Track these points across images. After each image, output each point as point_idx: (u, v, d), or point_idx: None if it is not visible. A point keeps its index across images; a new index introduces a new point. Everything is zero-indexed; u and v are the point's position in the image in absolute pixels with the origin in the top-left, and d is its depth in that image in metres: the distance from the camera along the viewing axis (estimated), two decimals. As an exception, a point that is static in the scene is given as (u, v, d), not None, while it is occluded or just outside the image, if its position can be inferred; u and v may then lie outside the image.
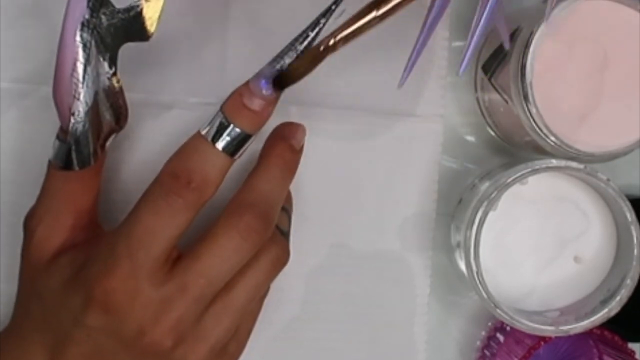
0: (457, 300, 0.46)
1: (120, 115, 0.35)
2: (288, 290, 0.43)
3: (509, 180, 0.39)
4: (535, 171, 0.39)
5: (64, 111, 0.33)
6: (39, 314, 0.34)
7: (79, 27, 0.32)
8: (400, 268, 0.44)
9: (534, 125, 0.38)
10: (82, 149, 0.34)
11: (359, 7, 0.34)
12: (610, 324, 0.40)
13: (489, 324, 0.46)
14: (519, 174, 0.39)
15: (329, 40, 0.33)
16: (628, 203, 0.39)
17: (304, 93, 0.43)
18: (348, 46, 0.43)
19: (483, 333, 0.46)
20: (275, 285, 0.37)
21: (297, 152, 0.37)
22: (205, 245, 0.33)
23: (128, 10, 0.34)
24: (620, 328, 0.42)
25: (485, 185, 0.41)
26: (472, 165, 0.45)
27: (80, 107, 0.33)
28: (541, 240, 0.41)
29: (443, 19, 0.44)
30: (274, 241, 0.36)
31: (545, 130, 0.38)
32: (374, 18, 0.33)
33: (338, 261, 0.44)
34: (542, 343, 0.41)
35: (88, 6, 0.32)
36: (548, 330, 0.39)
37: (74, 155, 0.34)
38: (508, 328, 0.44)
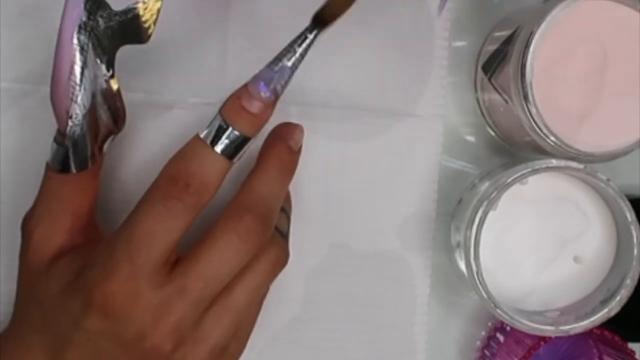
0: (457, 300, 0.46)
1: (118, 117, 0.35)
2: (288, 290, 0.43)
3: (509, 180, 0.39)
4: (535, 171, 0.39)
5: (61, 114, 0.33)
6: (37, 317, 0.34)
7: (76, 30, 0.32)
8: (400, 268, 0.44)
9: (534, 125, 0.38)
10: (80, 152, 0.34)
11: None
12: (610, 324, 0.40)
13: (489, 324, 0.46)
14: (519, 174, 0.39)
15: None
16: (628, 203, 0.39)
17: (303, 93, 0.43)
18: (348, 46, 0.44)
19: (483, 333, 0.46)
20: (275, 285, 0.37)
21: (295, 153, 0.37)
22: (205, 248, 0.33)
23: (125, 12, 0.33)
24: (620, 328, 0.42)
25: (485, 185, 0.41)
26: (472, 165, 0.45)
27: (78, 110, 0.33)
28: (541, 240, 0.41)
29: (443, 19, 0.44)
30: (273, 242, 0.35)
31: (545, 130, 0.38)
32: None
33: (338, 261, 0.44)
34: (542, 343, 0.41)
35: (85, 9, 0.32)
36: (548, 330, 0.39)
37: (71, 158, 0.34)
38: (508, 328, 0.44)
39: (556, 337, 0.42)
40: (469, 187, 0.44)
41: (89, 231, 0.36)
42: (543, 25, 0.37)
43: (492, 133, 0.45)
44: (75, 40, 0.32)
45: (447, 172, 0.45)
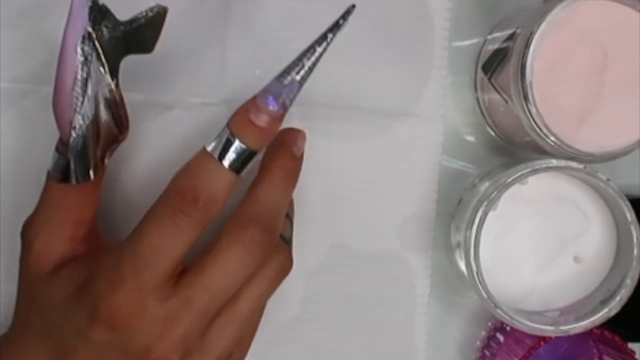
0: (457, 300, 0.46)
1: (121, 126, 0.35)
2: (288, 290, 0.43)
3: (509, 180, 0.39)
4: (535, 171, 0.39)
5: (64, 125, 0.33)
6: (39, 323, 0.34)
7: (80, 40, 0.32)
8: (400, 268, 0.44)
9: (534, 125, 0.38)
10: (83, 163, 0.34)
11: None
12: (610, 324, 0.40)
13: (489, 324, 0.46)
14: (519, 174, 0.39)
15: None
16: (628, 203, 0.39)
17: (303, 93, 0.43)
18: (348, 46, 0.44)
19: (483, 333, 0.46)
20: (276, 285, 0.37)
21: (298, 160, 0.37)
22: (210, 260, 0.33)
23: (130, 22, 0.33)
24: (620, 328, 0.42)
25: (485, 185, 0.41)
26: (472, 165, 0.45)
27: (82, 121, 0.32)
28: (541, 240, 0.41)
29: (443, 19, 0.44)
30: (277, 250, 0.35)
31: (545, 130, 0.38)
32: None
33: (338, 261, 0.44)
34: (542, 343, 0.41)
35: (89, 19, 0.32)
36: (548, 330, 0.39)
37: (73, 169, 0.34)
38: (508, 328, 0.44)
39: (556, 337, 0.42)
40: (469, 187, 0.44)
41: (90, 239, 0.36)
42: (543, 25, 0.37)
43: (492, 133, 0.45)
44: (79, 51, 0.32)
45: (447, 172, 0.45)
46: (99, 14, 0.32)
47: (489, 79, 0.42)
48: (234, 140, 0.33)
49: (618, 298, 0.39)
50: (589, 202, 0.42)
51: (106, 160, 0.35)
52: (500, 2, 0.44)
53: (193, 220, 0.32)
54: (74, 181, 0.34)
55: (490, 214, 0.39)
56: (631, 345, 0.43)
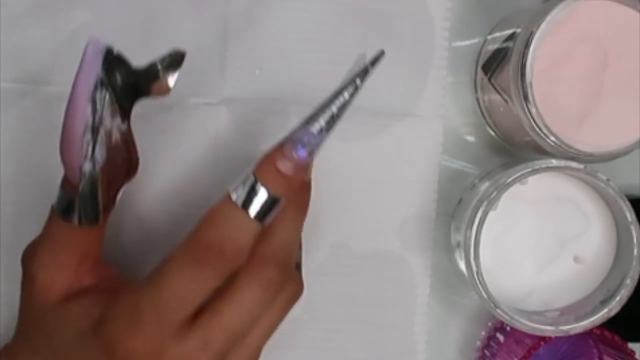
0: (457, 300, 0.46)
1: (132, 166, 0.34)
2: (288, 291, 0.43)
3: (509, 180, 0.39)
4: (535, 171, 0.39)
5: (73, 171, 0.32)
6: (46, 349, 0.34)
7: (93, 88, 0.31)
8: (400, 268, 0.45)
9: (534, 125, 0.38)
10: (91, 207, 0.33)
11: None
12: (610, 324, 0.40)
13: (489, 324, 0.46)
14: (519, 174, 0.39)
15: None
16: (628, 203, 0.39)
17: (303, 93, 0.43)
18: (349, 47, 0.43)
19: (483, 333, 0.46)
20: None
21: (307, 189, 0.36)
22: (227, 300, 0.32)
23: (146, 69, 0.32)
24: (620, 328, 0.42)
25: (485, 185, 0.41)
26: (472, 165, 0.45)
27: (92, 167, 0.32)
28: (541, 240, 0.41)
29: (443, 19, 0.44)
30: (290, 280, 0.35)
31: (545, 130, 0.38)
32: None
33: (338, 261, 0.44)
34: (542, 343, 0.41)
35: (103, 67, 0.31)
36: (548, 330, 0.39)
37: (81, 211, 0.33)
38: (508, 328, 0.44)
39: (556, 337, 0.42)
40: (469, 187, 0.44)
41: (96, 269, 0.35)
42: (543, 25, 0.37)
43: (492, 133, 0.45)
44: (90, 101, 0.31)
45: (447, 172, 0.45)
46: (113, 62, 0.31)
47: (489, 79, 0.42)
48: (260, 188, 0.32)
49: (618, 298, 0.39)
50: (589, 202, 0.42)
51: (118, 197, 0.34)
52: (500, 2, 0.44)
53: (219, 272, 0.32)
54: (80, 224, 0.33)
55: (490, 214, 0.39)
56: (631, 345, 0.43)
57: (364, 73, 0.33)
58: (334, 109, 0.32)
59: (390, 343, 0.45)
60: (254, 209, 0.32)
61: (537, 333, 0.39)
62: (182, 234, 0.43)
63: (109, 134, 0.32)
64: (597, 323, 0.39)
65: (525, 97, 0.38)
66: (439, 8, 0.44)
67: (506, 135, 0.44)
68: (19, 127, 0.42)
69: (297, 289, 0.35)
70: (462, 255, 0.40)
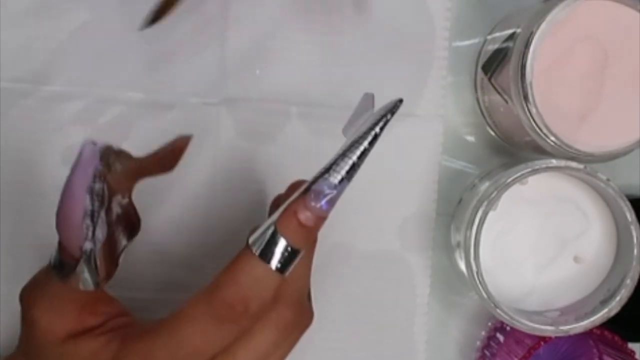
0: (457, 300, 0.46)
1: (134, 229, 0.33)
2: (288, 291, 0.43)
3: (509, 180, 0.39)
4: (535, 171, 0.39)
5: (73, 249, 0.31)
6: None
7: (91, 180, 0.30)
8: (400, 268, 0.45)
9: (534, 125, 0.38)
10: (91, 277, 0.32)
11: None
12: (610, 324, 0.40)
13: (489, 324, 0.46)
14: (519, 174, 0.39)
15: None
16: (628, 203, 0.39)
17: (304, 93, 0.43)
18: (348, 46, 0.44)
19: (483, 333, 0.46)
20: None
21: (312, 225, 0.36)
22: (243, 344, 0.32)
23: (150, 156, 0.32)
24: (620, 328, 0.42)
25: (485, 185, 0.41)
26: (472, 165, 0.45)
27: (93, 245, 0.31)
28: (541, 240, 0.41)
29: (443, 19, 0.44)
30: (304, 315, 0.34)
31: (545, 130, 0.38)
32: None
33: (338, 261, 0.44)
34: (542, 343, 0.41)
35: (101, 161, 0.30)
36: (548, 330, 0.39)
37: (80, 281, 0.32)
38: (508, 328, 0.44)
39: (556, 337, 0.42)
40: (469, 187, 0.44)
41: (100, 309, 0.34)
42: (543, 25, 0.37)
43: (492, 133, 0.45)
44: (89, 191, 0.30)
45: (447, 172, 0.45)
46: (112, 156, 0.30)
47: (489, 79, 0.42)
48: (280, 239, 0.31)
49: (618, 298, 0.39)
50: (589, 202, 0.42)
51: (120, 260, 0.33)
52: (500, 2, 0.44)
53: (241, 328, 0.31)
54: (80, 288, 0.32)
55: (490, 214, 0.39)
56: (631, 345, 0.43)
57: (383, 122, 0.32)
58: (354, 158, 0.31)
59: (391, 343, 0.45)
60: (276, 260, 0.31)
61: (537, 333, 0.39)
62: (181, 234, 0.43)
63: (109, 212, 0.31)
64: (597, 323, 0.39)
65: (525, 97, 0.38)
66: (439, 8, 0.44)
67: (506, 135, 0.44)
68: (19, 126, 0.42)
69: (309, 320, 0.35)
70: (462, 255, 0.40)
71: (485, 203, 0.39)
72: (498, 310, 0.39)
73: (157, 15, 0.34)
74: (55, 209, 0.31)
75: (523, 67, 0.38)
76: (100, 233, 0.31)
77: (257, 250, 0.31)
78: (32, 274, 0.34)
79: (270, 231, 0.31)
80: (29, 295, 0.34)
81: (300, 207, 0.31)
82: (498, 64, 0.41)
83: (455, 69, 0.44)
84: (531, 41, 0.37)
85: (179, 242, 0.43)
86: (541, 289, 0.42)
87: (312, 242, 0.33)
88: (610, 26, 0.38)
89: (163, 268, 0.43)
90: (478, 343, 0.46)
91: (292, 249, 0.31)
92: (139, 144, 0.42)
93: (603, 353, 0.44)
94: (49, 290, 0.33)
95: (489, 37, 0.44)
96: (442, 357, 0.46)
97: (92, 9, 0.42)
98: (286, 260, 0.31)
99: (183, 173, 0.42)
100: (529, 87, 0.38)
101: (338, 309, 0.44)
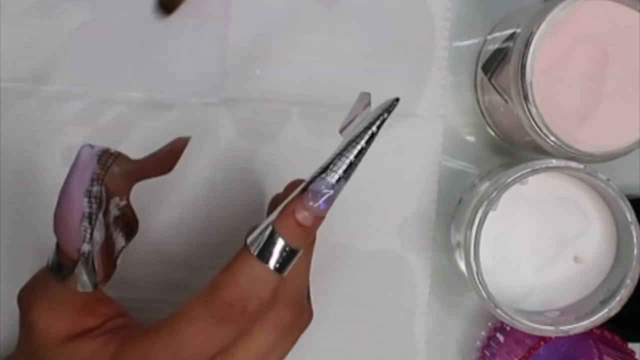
0: (457, 300, 0.46)
1: (131, 230, 0.33)
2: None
3: (509, 180, 0.39)
4: (535, 171, 0.39)
5: (71, 252, 0.31)
6: None
7: (89, 184, 0.30)
8: (400, 268, 0.45)
9: (534, 125, 0.38)
10: (89, 279, 0.32)
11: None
12: (610, 324, 0.40)
13: (489, 324, 0.46)
14: (519, 174, 0.39)
15: None
16: (628, 203, 0.39)
17: (304, 94, 0.43)
18: (348, 46, 0.44)
19: (483, 333, 0.46)
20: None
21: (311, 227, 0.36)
22: (241, 344, 0.32)
23: (148, 158, 0.32)
24: (620, 328, 0.42)
25: (485, 185, 0.41)
26: (472, 165, 0.45)
27: (91, 248, 0.31)
28: (541, 240, 0.41)
29: (443, 20, 0.44)
30: (303, 314, 0.34)
31: (545, 130, 0.38)
32: None
33: (338, 261, 0.44)
34: (542, 343, 0.41)
35: (99, 164, 0.30)
36: (548, 330, 0.39)
37: (78, 283, 0.32)
38: (508, 328, 0.44)
39: (556, 337, 0.42)
40: (469, 187, 0.44)
41: (98, 310, 0.34)
42: (543, 25, 0.37)
43: (492, 133, 0.45)
44: (86, 195, 0.30)
45: (447, 172, 0.45)
46: (110, 158, 0.30)
47: (489, 79, 0.42)
48: (278, 240, 0.31)
49: (618, 298, 0.39)
50: (589, 202, 0.42)
51: (118, 262, 0.33)
52: (500, 2, 0.44)
53: (240, 327, 0.31)
54: (78, 289, 0.32)
55: (490, 214, 0.39)
56: (631, 345, 0.43)
57: (380, 121, 0.32)
58: (351, 157, 0.31)
59: (391, 343, 0.45)
60: (274, 261, 0.31)
61: (537, 333, 0.39)
62: (181, 234, 0.43)
63: (107, 214, 0.31)
64: (597, 323, 0.39)
65: (525, 97, 0.38)
66: (439, 8, 0.44)
67: (506, 135, 0.44)
68: (19, 126, 0.42)
69: (307, 320, 0.35)
70: (462, 255, 0.40)
71: (485, 203, 0.39)
72: (498, 310, 0.39)
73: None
74: (53, 212, 0.31)
75: (523, 67, 0.38)
76: (98, 235, 0.31)
77: (255, 250, 0.31)
78: (31, 275, 0.34)
79: (268, 231, 0.31)
80: (27, 297, 0.34)
81: (298, 207, 0.31)
82: (498, 64, 0.41)
83: (455, 69, 0.44)
84: (531, 41, 0.37)
85: (179, 242, 0.43)
86: (541, 289, 0.42)
87: (310, 241, 0.33)
88: (610, 26, 0.38)
89: (163, 268, 0.43)
90: (478, 343, 0.46)
91: (290, 248, 0.31)
92: (139, 144, 0.42)
93: (603, 353, 0.44)
94: (47, 292, 0.33)
95: (489, 37, 0.44)
96: (442, 357, 0.46)
97: (92, 9, 0.42)
98: (284, 260, 0.31)
99: (183, 173, 0.42)
100: (529, 87, 0.38)
101: (338, 309, 0.44)
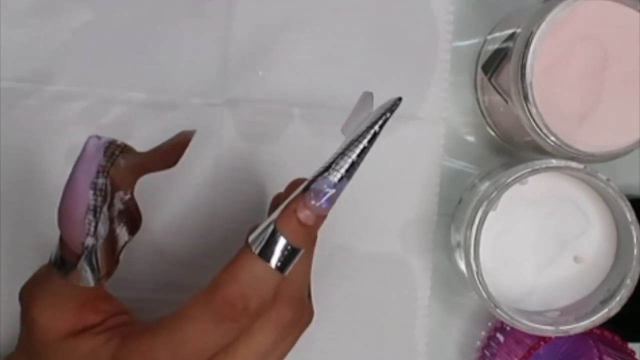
0: (457, 300, 0.46)
1: (134, 226, 0.33)
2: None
3: (509, 180, 0.39)
4: (535, 171, 0.39)
5: (75, 245, 0.31)
6: None
7: (95, 176, 0.30)
8: (401, 270, 0.45)
9: (534, 125, 0.38)
10: (92, 274, 0.32)
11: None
12: (610, 324, 0.40)
13: (489, 324, 0.46)
14: (519, 174, 0.39)
15: None
16: (628, 203, 0.39)
17: (306, 95, 0.43)
18: (350, 48, 0.44)
19: (483, 333, 0.46)
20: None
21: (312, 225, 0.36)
22: (242, 343, 0.32)
23: (153, 151, 0.32)
24: (620, 328, 0.42)
25: (485, 185, 0.41)
26: (472, 165, 0.45)
27: (95, 241, 0.31)
28: (541, 240, 0.41)
29: (446, 23, 0.44)
30: (304, 313, 0.34)
31: (545, 130, 0.38)
32: None
33: (339, 263, 0.44)
34: (542, 343, 0.41)
35: (105, 156, 0.30)
36: (548, 330, 0.39)
37: (81, 277, 0.32)
38: (508, 328, 0.44)
39: (556, 337, 0.42)
40: (469, 187, 0.44)
41: (99, 307, 0.34)
42: (543, 25, 0.37)
43: (492, 133, 0.45)
44: (91, 187, 0.30)
45: (447, 172, 0.45)
46: (117, 150, 0.31)
47: (489, 79, 0.42)
48: (280, 238, 0.31)
49: (618, 298, 0.39)
50: (589, 202, 0.42)
51: (120, 257, 0.33)
52: (500, 2, 0.44)
53: (242, 326, 0.31)
54: (81, 284, 0.32)
55: (490, 214, 0.39)
56: (631, 345, 0.43)
57: (382, 121, 0.32)
58: (353, 156, 0.31)
59: (391, 344, 0.45)
60: (275, 259, 0.31)
61: (537, 333, 0.39)
62: (182, 234, 0.43)
63: (111, 208, 0.31)
64: (597, 323, 0.39)
65: (525, 97, 0.38)
66: (442, 11, 0.44)
67: (506, 135, 0.44)
68: (21, 126, 0.42)
69: (308, 319, 0.35)
70: (462, 255, 0.40)
71: (485, 203, 0.39)
72: (498, 310, 0.39)
73: None
74: (56, 209, 0.31)
75: (523, 67, 0.38)
76: (103, 229, 0.31)
77: (257, 249, 0.31)
78: (32, 273, 0.35)
79: (270, 230, 0.31)
80: (29, 293, 0.34)
81: (299, 206, 0.31)
82: (498, 64, 0.41)
83: (455, 69, 0.45)
84: (531, 41, 0.37)
85: (180, 242, 0.43)
86: (541, 289, 0.42)
87: (311, 240, 0.33)
88: (610, 26, 0.38)
89: (163, 268, 0.43)
90: (478, 343, 0.46)
91: (291, 247, 0.31)
92: (141, 144, 0.42)
93: (603, 353, 0.44)
94: (49, 288, 0.33)
95: (489, 37, 0.44)
96: (442, 358, 0.46)
97: (94, 9, 0.42)
98: (286, 259, 0.31)
99: (185, 173, 0.42)
100: (529, 87, 0.38)
101: (339, 310, 0.44)
